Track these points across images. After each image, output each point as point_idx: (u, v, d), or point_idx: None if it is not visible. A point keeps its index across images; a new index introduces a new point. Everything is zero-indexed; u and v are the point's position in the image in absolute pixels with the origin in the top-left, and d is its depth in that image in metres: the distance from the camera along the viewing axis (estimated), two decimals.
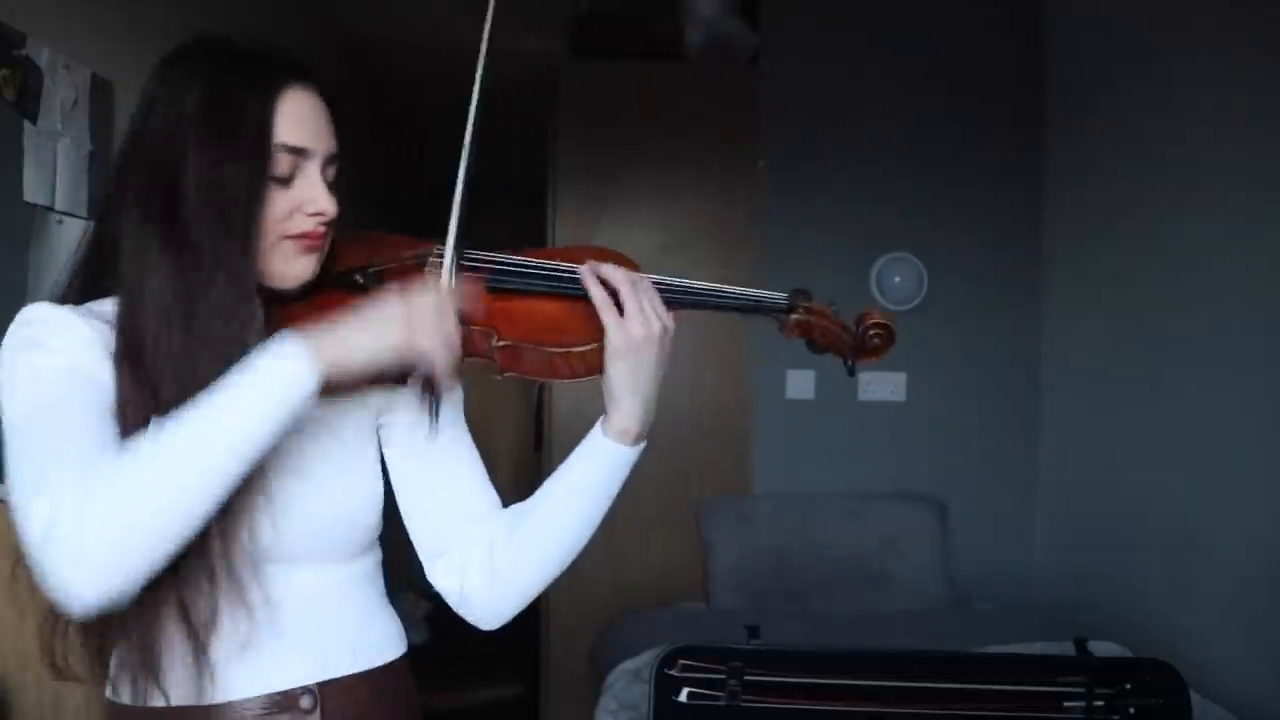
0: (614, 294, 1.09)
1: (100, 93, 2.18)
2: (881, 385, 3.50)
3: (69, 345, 0.97)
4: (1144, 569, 2.88)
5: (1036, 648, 2.52)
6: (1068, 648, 1.97)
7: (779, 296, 1.17)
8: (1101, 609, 3.03)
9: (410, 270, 1.13)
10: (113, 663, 1.05)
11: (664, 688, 1.87)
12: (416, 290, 0.99)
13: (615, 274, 1.09)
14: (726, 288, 1.17)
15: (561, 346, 1.08)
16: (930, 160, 3.51)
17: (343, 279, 1.11)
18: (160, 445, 0.90)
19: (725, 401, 3.41)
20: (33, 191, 1.96)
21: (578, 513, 1.13)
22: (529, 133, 4.17)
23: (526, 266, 1.13)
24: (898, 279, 3.50)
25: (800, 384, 3.47)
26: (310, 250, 1.05)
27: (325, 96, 1.06)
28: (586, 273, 1.10)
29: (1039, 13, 3.55)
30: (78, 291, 1.05)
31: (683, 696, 1.87)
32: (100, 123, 2.18)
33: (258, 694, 1.03)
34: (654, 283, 1.12)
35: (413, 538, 1.18)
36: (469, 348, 1.07)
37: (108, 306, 1.02)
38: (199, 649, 0.99)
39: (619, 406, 1.09)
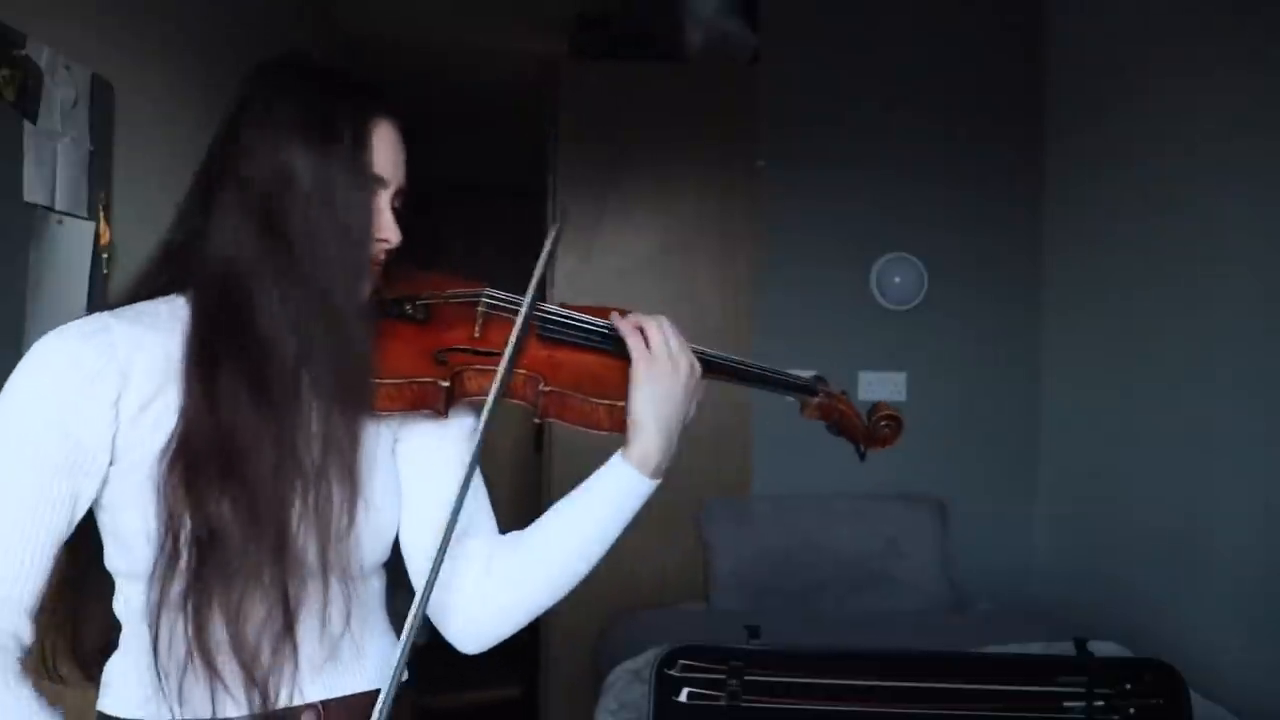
0: (642, 328, 1.16)
1: (100, 93, 2.18)
2: (881, 385, 3.50)
3: (65, 414, 0.98)
4: (1144, 569, 2.88)
5: (1036, 648, 2.52)
6: (1068, 648, 1.96)
7: (806, 380, 1.30)
8: (1101, 609, 3.03)
9: (458, 308, 1.17)
10: (112, 675, 1.04)
11: (664, 688, 1.87)
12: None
13: (644, 319, 1.17)
14: (754, 364, 1.28)
15: (604, 398, 1.14)
16: (930, 160, 3.51)
17: (392, 306, 1.14)
18: None
19: (725, 401, 3.40)
20: (33, 191, 1.96)
21: (582, 538, 1.13)
22: (529, 133, 4.18)
23: (576, 320, 1.19)
24: (898, 279, 3.49)
25: None
26: (371, 275, 1.08)
27: (402, 130, 1.10)
28: (618, 318, 1.18)
29: (1040, 12, 3.55)
30: (141, 287, 1.07)
31: (683, 696, 1.86)
32: (100, 123, 2.18)
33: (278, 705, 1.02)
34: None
35: (404, 550, 1.16)
36: (515, 392, 1.13)
37: (155, 306, 1.04)
38: (246, 669, 0.99)
39: (641, 433, 1.13)
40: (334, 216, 1.02)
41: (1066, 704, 1.85)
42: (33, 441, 0.97)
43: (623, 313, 1.20)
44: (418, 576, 1.15)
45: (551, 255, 1.21)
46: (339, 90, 1.06)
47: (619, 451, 1.14)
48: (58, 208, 2.04)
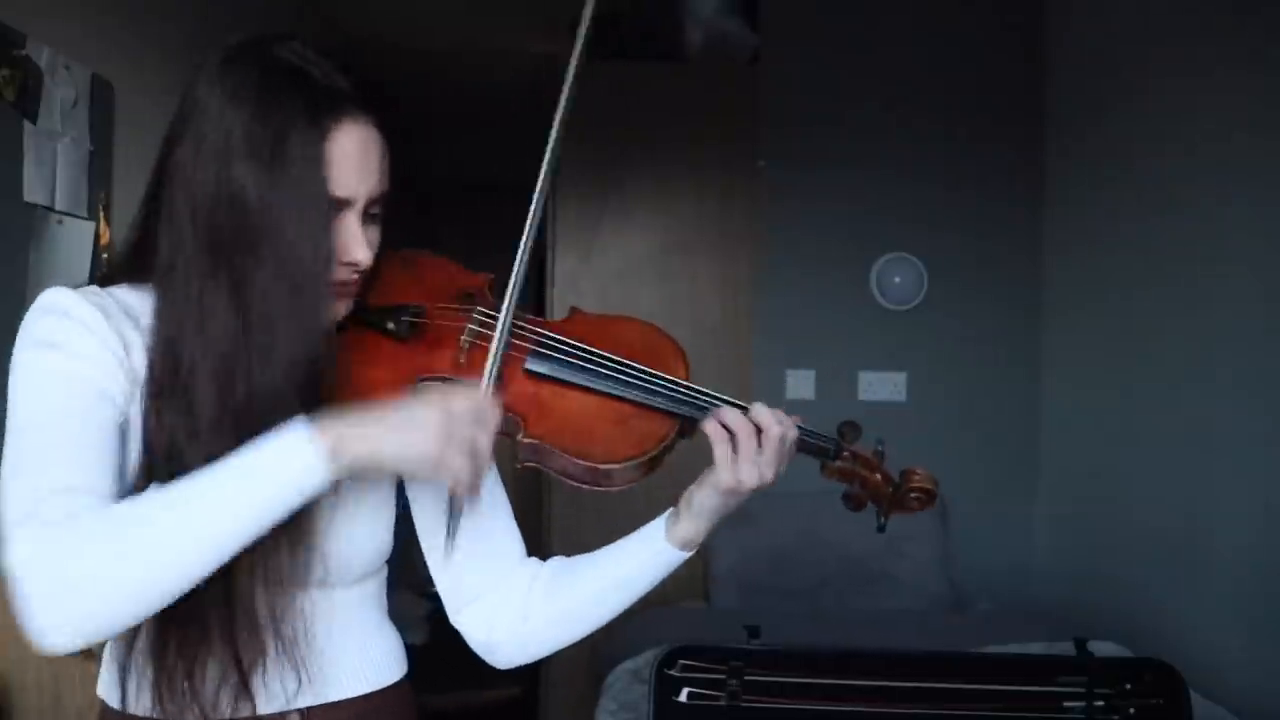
0: (733, 434, 1.04)
1: (100, 93, 2.18)
2: (881, 385, 3.50)
3: (88, 349, 0.94)
4: (1144, 569, 2.88)
5: (1036, 648, 2.51)
6: (1068, 648, 1.96)
7: (826, 439, 1.11)
8: (1101, 609, 3.03)
9: (445, 326, 1.06)
10: (110, 665, 1.03)
11: (664, 688, 1.87)
12: (458, 401, 0.92)
13: (740, 423, 1.04)
14: None
15: (589, 460, 1.01)
16: (930, 160, 3.51)
17: (374, 319, 1.05)
18: (157, 515, 0.87)
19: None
20: (33, 191, 1.96)
21: (623, 601, 1.14)
22: (529, 133, 4.18)
23: (571, 355, 1.05)
24: (898, 279, 3.49)
25: (800, 384, 3.47)
26: (343, 296, 1.01)
27: (378, 125, 1.00)
28: (714, 418, 1.04)
29: (1040, 12, 3.55)
30: (116, 275, 1.02)
31: (683, 696, 1.86)
32: (100, 123, 2.18)
33: (249, 715, 0.99)
34: (694, 395, 1.06)
35: (438, 585, 1.16)
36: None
37: (132, 298, 1.00)
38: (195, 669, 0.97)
39: (696, 525, 1.09)
40: (281, 246, 0.93)
41: (1066, 704, 1.85)
42: (61, 360, 0.94)
43: (642, 332, 1.11)
44: (447, 598, 1.16)
45: (531, 265, 1.06)
46: (294, 97, 0.94)
47: (664, 524, 1.10)
48: (58, 208, 2.04)
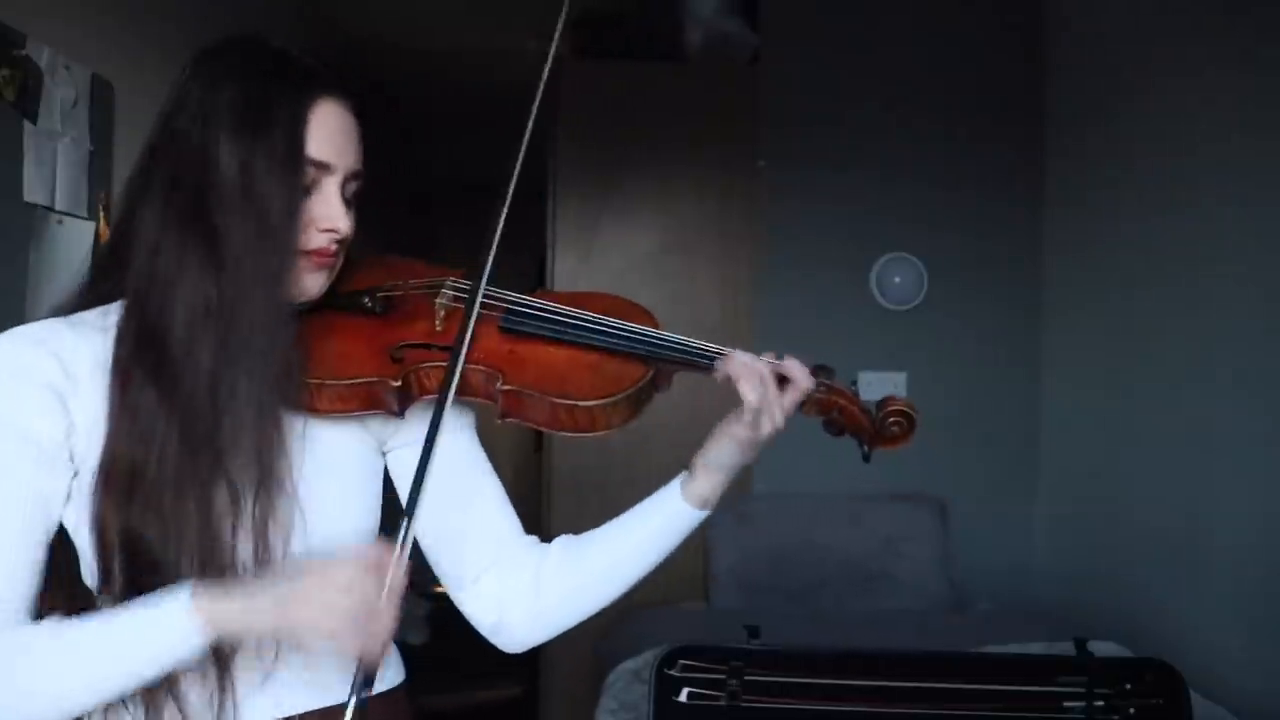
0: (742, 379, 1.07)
1: (100, 93, 2.18)
2: (881, 385, 3.49)
3: (26, 411, 0.95)
4: (1144, 569, 2.88)
5: (1036, 648, 2.52)
6: (1068, 648, 1.96)
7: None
8: (1101, 609, 3.03)
9: (421, 299, 1.10)
10: None
11: (664, 688, 1.87)
12: (339, 570, 0.91)
13: (756, 373, 1.08)
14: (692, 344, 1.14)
15: (568, 399, 1.05)
16: (930, 160, 3.51)
17: (349, 301, 1.09)
18: (46, 657, 0.92)
19: (725, 400, 3.40)
20: (32, 191, 1.96)
21: (642, 568, 1.15)
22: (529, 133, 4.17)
23: (543, 311, 1.10)
24: (898, 279, 3.49)
25: None
26: (320, 267, 1.03)
27: (355, 111, 1.04)
28: (738, 357, 1.08)
29: (1040, 12, 3.55)
30: (89, 291, 1.03)
31: (683, 696, 1.87)
32: (100, 123, 2.18)
33: None
34: (664, 339, 1.10)
35: (435, 568, 1.15)
36: (472, 389, 1.06)
37: (94, 316, 1.01)
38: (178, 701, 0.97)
39: (712, 478, 1.11)
40: (253, 206, 0.96)
41: (1066, 704, 1.85)
42: None
43: (609, 301, 1.13)
44: (448, 580, 1.15)
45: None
46: (277, 73, 1.00)
47: (678, 485, 1.12)
48: (58, 208, 2.04)
